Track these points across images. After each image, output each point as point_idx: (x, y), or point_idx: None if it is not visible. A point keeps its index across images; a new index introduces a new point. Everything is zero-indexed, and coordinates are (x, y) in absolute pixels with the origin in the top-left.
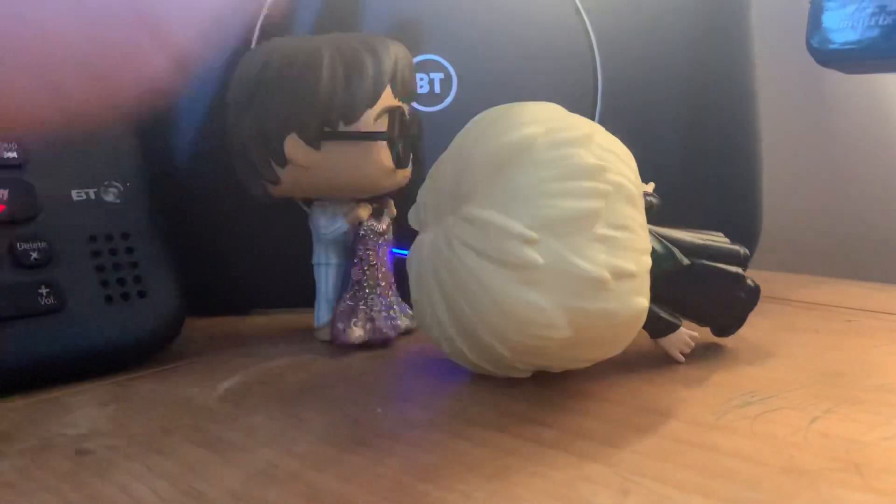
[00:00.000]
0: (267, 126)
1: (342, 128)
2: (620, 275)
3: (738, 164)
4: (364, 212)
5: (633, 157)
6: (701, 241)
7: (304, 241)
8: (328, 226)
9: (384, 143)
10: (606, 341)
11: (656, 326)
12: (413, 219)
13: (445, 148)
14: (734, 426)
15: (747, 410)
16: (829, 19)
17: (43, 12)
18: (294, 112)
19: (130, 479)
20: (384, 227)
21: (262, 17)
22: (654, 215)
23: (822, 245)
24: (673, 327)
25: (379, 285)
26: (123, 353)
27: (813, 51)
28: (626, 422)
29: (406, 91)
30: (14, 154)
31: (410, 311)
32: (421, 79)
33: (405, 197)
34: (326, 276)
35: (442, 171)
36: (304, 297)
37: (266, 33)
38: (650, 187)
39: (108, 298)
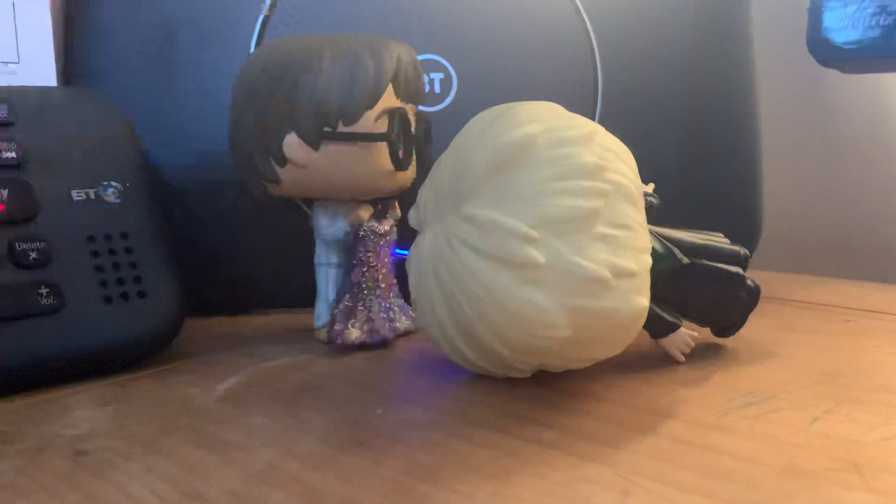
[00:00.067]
0: (267, 125)
1: (342, 128)
2: (621, 274)
3: (738, 165)
4: (364, 213)
5: (633, 157)
6: (701, 242)
7: (304, 241)
8: (328, 226)
9: (384, 144)
10: (607, 341)
11: (657, 326)
12: (413, 218)
13: (445, 148)
14: (734, 426)
15: (747, 411)
16: (830, 19)
17: None
18: (294, 112)
19: (130, 480)
20: (386, 228)
21: (261, 17)
22: (655, 215)
23: (822, 245)
24: (673, 327)
25: (378, 287)
26: (123, 353)
27: (814, 50)
28: (626, 422)
29: (410, 91)
30: (13, 154)
31: (411, 313)
32: None
33: (409, 197)
34: (327, 277)
35: (442, 170)
36: (304, 297)
37: (266, 33)
38: (650, 187)
39: (108, 298)
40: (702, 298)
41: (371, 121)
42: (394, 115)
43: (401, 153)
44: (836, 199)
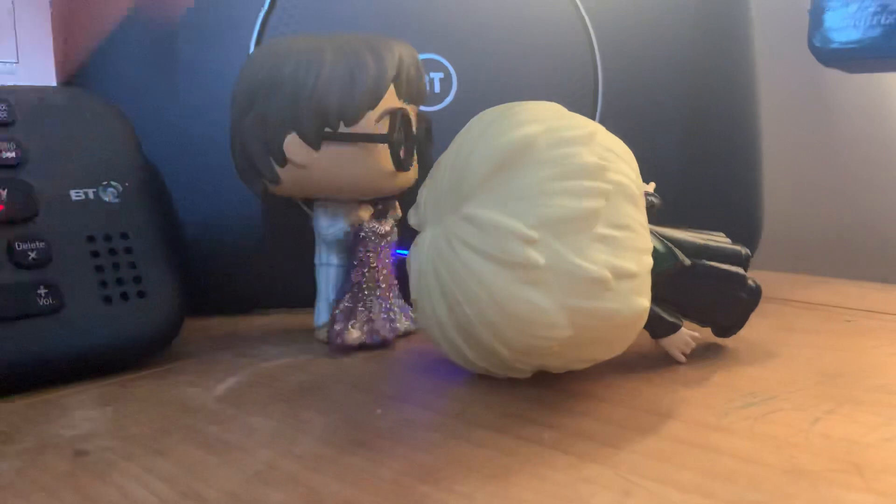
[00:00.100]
0: (267, 125)
1: (342, 129)
2: (621, 274)
3: (738, 164)
4: (365, 213)
5: (634, 157)
6: (702, 242)
7: (304, 242)
8: (329, 226)
9: (385, 145)
10: (607, 341)
11: (657, 327)
12: (413, 218)
13: (445, 148)
14: (735, 427)
15: (748, 411)
16: (831, 18)
17: None
18: (294, 112)
19: (129, 480)
20: (386, 228)
21: (261, 17)
22: (655, 215)
23: (822, 245)
24: (674, 328)
25: (379, 287)
26: (122, 354)
27: (815, 50)
28: (626, 422)
29: (412, 92)
30: (12, 154)
31: (411, 313)
32: None
33: (409, 197)
34: (327, 277)
35: (442, 170)
36: (304, 297)
37: (266, 33)
38: (651, 187)
39: (107, 298)
40: (703, 298)
41: (372, 121)
42: (395, 115)
43: (402, 154)
44: (836, 199)
